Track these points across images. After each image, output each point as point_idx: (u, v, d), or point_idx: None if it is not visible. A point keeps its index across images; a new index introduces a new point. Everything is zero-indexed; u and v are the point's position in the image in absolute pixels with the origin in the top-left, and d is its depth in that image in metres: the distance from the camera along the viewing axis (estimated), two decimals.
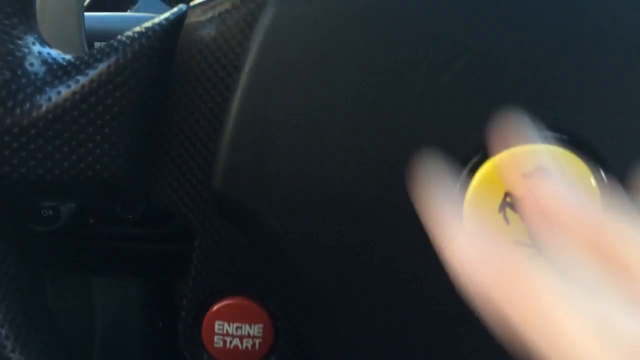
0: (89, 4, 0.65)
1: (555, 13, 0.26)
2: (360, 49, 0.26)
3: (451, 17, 0.26)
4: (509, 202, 0.27)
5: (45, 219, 0.48)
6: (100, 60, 0.26)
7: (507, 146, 0.27)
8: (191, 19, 0.28)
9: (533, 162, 0.27)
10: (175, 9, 0.27)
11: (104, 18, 0.41)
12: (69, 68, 0.26)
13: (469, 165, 0.27)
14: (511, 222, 0.27)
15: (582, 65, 0.26)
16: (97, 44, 0.40)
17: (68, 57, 0.26)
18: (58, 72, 0.25)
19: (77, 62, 0.26)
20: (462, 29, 0.26)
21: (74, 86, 0.25)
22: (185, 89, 0.28)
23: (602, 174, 0.27)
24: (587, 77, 0.26)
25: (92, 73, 0.25)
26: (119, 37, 0.26)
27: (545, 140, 0.27)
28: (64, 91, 0.25)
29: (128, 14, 0.44)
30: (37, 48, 0.26)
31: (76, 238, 0.50)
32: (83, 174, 0.26)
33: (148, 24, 0.27)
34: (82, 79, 0.25)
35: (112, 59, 0.25)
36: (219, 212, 0.29)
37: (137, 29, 0.26)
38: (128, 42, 0.26)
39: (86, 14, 0.42)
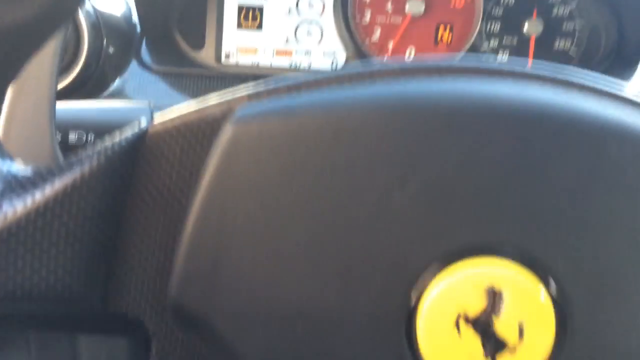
0: (74, 79, 0.66)
1: (506, 138, 0.27)
2: (314, 169, 0.27)
3: (402, 139, 0.27)
4: (462, 320, 0.27)
5: None
6: (57, 177, 0.26)
7: (460, 263, 0.27)
8: (153, 132, 0.28)
9: (485, 282, 0.27)
10: (135, 127, 0.28)
11: (78, 109, 0.42)
12: (26, 184, 0.26)
13: (422, 282, 0.27)
14: (465, 338, 0.27)
15: (533, 187, 0.27)
16: (71, 134, 0.41)
17: (27, 171, 0.27)
18: (15, 188, 0.26)
19: (35, 178, 0.26)
20: (414, 151, 0.27)
21: (30, 203, 0.26)
22: (146, 200, 0.29)
23: (556, 293, 0.27)
24: (539, 200, 0.27)
25: (49, 190, 0.26)
26: (78, 154, 0.27)
27: (497, 257, 0.27)
28: (19, 208, 0.26)
29: (103, 104, 0.45)
30: None
31: None
32: (37, 287, 0.26)
33: (108, 142, 0.27)
34: (39, 196, 0.26)
35: (70, 177, 0.26)
36: (176, 319, 0.29)
37: (97, 147, 0.27)
38: (86, 161, 0.26)
39: (62, 104, 0.43)
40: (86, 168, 0.26)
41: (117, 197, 0.27)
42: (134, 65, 0.76)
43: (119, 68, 0.72)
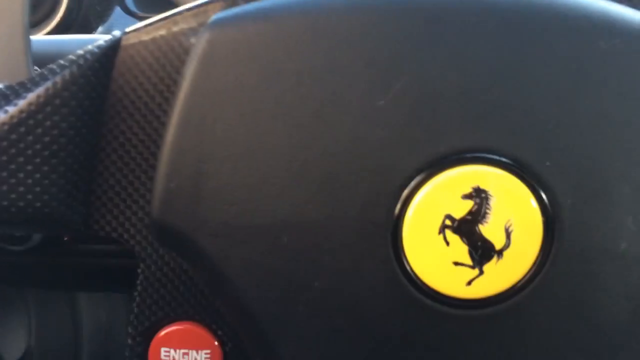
0: (56, 25, 0.65)
1: (492, 36, 0.26)
2: (294, 74, 0.26)
3: (386, 42, 0.26)
4: (448, 224, 0.27)
5: (16, 239, 0.47)
6: (30, 90, 0.25)
7: (445, 168, 0.27)
8: (127, 44, 0.28)
9: (471, 184, 0.27)
10: (109, 35, 0.27)
11: (57, 41, 0.41)
12: None
13: (408, 187, 0.27)
14: (451, 243, 0.27)
15: (520, 87, 0.26)
16: None
17: None
18: None
19: (7, 92, 0.25)
20: (397, 53, 0.26)
21: (2, 117, 0.25)
22: (122, 115, 0.28)
23: (543, 195, 0.27)
24: (526, 100, 0.26)
25: (21, 103, 0.25)
26: (50, 65, 0.26)
27: (484, 162, 0.27)
28: None
29: (81, 36, 0.43)
30: None
31: (50, 256, 0.49)
32: (15, 205, 0.26)
33: (80, 51, 0.26)
34: (11, 109, 0.25)
35: (42, 89, 0.25)
36: (159, 238, 0.29)
37: (70, 56, 0.26)
38: (59, 70, 0.26)
39: (39, 37, 0.42)
40: (58, 78, 0.25)
41: (93, 110, 0.27)
42: (118, 12, 0.74)
43: (102, 15, 0.71)
